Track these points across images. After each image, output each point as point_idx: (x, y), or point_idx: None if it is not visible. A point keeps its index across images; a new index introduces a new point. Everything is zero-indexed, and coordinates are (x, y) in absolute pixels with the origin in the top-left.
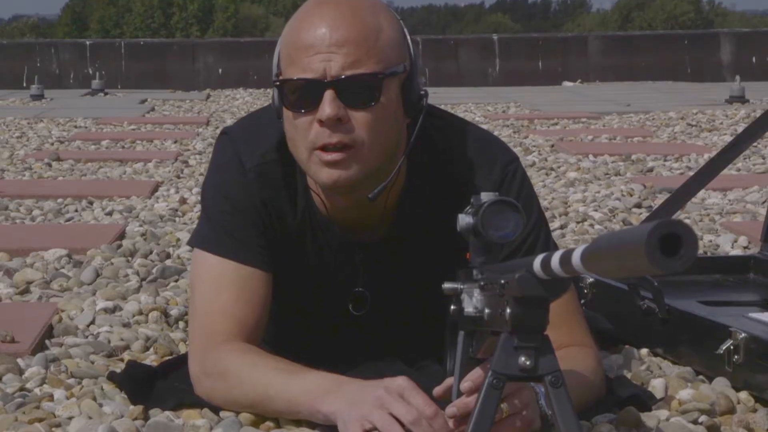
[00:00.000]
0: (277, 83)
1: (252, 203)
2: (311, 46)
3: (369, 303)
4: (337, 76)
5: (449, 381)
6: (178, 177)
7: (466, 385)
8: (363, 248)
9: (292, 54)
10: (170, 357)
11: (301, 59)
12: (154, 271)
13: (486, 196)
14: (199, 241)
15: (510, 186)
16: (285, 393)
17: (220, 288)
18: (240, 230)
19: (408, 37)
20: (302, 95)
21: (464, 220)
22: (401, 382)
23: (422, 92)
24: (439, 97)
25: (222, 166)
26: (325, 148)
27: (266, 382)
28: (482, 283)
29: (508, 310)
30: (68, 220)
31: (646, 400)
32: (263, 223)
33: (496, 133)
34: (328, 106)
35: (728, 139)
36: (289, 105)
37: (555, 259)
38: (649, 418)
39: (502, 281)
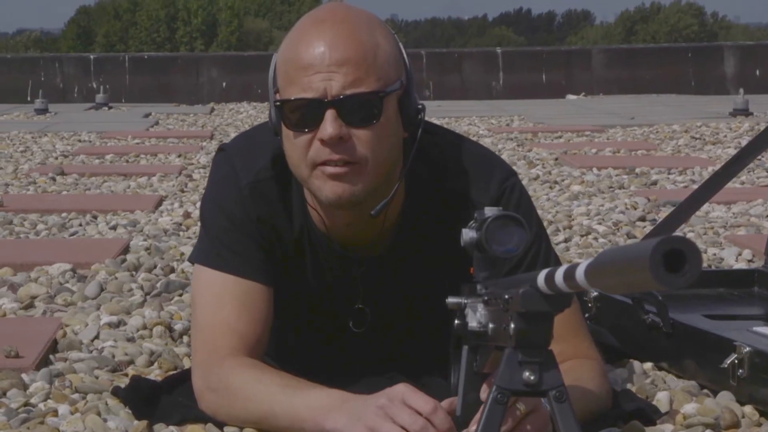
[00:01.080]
0: (278, 103)
1: (249, 218)
2: (311, 65)
3: (369, 319)
4: (338, 96)
5: (454, 399)
6: (182, 191)
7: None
8: (362, 264)
9: (291, 73)
10: (174, 372)
11: (300, 78)
12: (158, 285)
13: (489, 211)
14: (199, 256)
15: (509, 200)
16: (289, 409)
17: (222, 303)
18: (239, 244)
19: (403, 51)
20: (303, 115)
21: (468, 234)
22: (401, 388)
23: (419, 106)
24: (444, 110)
25: (219, 182)
26: (327, 163)
27: (271, 399)
28: (486, 298)
29: (512, 325)
30: (72, 234)
31: (650, 414)
32: (261, 238)
33: (500, 146)
34: (329, 125)
35: (732, 152)
36: (290, 124)
37: (559, 274)
38: None
39: (506, 296)
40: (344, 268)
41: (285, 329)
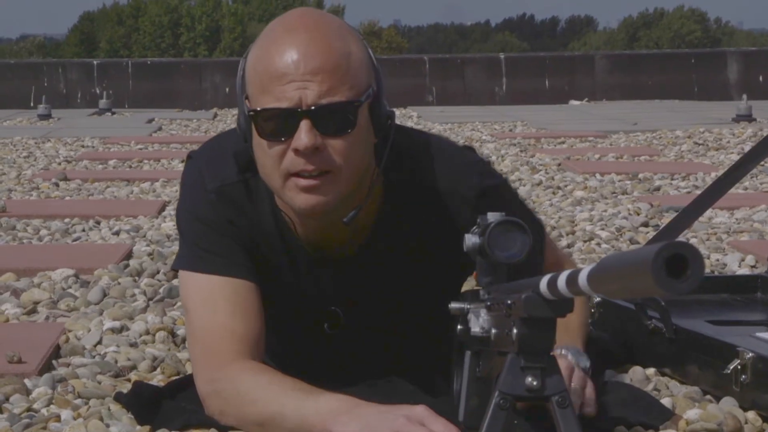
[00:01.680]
0: (251, 112)
1: (222, 220)
2: (285, 74)
3: (343, 321)
4: (312, 105)
5: None
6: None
7: None
8: (334, 266)
9: (265, 81)
10: (177, 377)
11: (274, 87)
12: (161, 290)
13: (492, 217)
14: (182, 263)
15: (493, 191)
16: (299, 412)
17: (214, 305)
18: (219, 245)
19: (373, 57)
20: (277, 124)
21: (471, 240)
22: (421, 411)
23: (389, 112)
24: (446, 115)
25: (189, 189)
26: (300, 174)
27: (281, 402)
28: (489, 304)
29: (515, 331)
30: (75, 240)
31: (652, 423)
32: (238, 238)
33: (503, 151)
34: (304, 135)
35: (735, 157)
36: (263, 134)
37: (562, 279)
38: None
39: (509, 301)
40: (316, 270)
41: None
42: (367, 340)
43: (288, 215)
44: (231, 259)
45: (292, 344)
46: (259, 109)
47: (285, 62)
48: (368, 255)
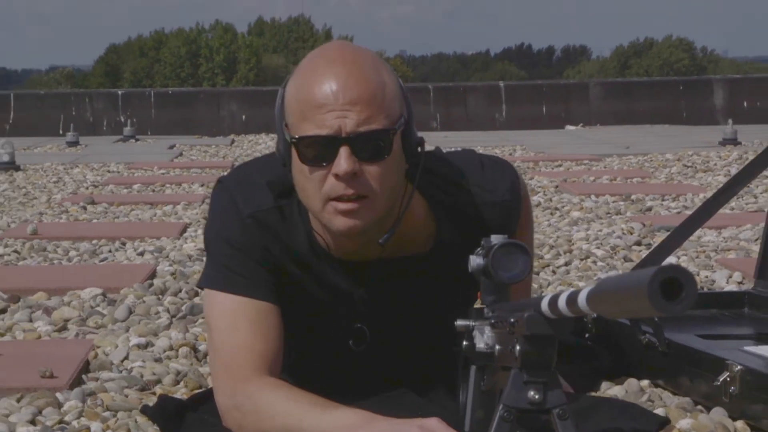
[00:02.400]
0: (293, 139)
1: (252, 243)
2: (325, 104)
3: (368, 338)
4: (351, 133)
5: None
6: (205, 218)
7: None
8: (367, 284)
9: (306, 110)
10: (200, 390)
11: (315, 116)
12: (183, 308)
13: (495, 239)
14: (208, 282)
15: (524, 188)
16: (317, 427)
17: (236, 324)
18: (245, 267)
19: (403, 87)
20: (318, 151)
21: (475, 261)
22: (435, 423)
23: (419, 138)
24: (450, 140)
25: (220, 213)
26: (339, 199)
27: (299, 417)
28: (493, 321)
29: (518, 347)
30: (102, 260)
31: (645, 428)
32: (265, 261)
33: None
34: (344, 161)
35: (722, 179)
36: (305, 160)
37: (562, 300)
38: None
39: (512, 320)
40: (349, 288)
41: (287, 349)
42: (389, 356)
43: (323, 237)
44: (255, 281)
45: (316, 361)
46: (301, 136)
47: (325, 93)
48: (407, 269)
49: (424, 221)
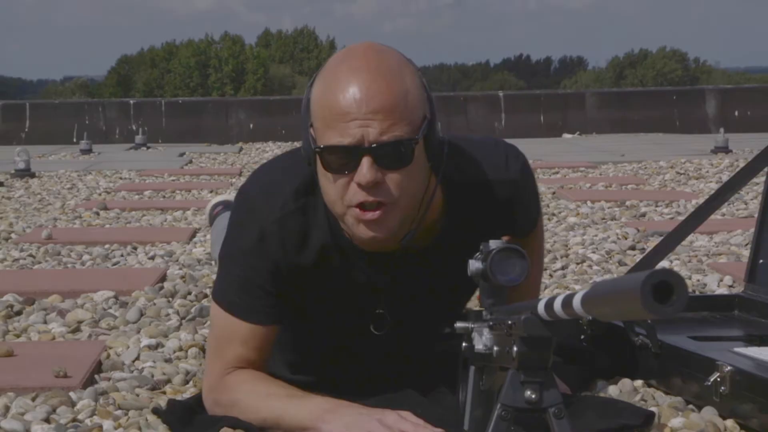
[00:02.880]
0: (318, 149)
1: (262, 262)
2: (348, 112)
3: (389, 322)
4: (374, 142)
5: None
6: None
7: None
8: (391, 270)
9: (328, 118)
10: None
11: (338, 124)
12: (192, 310)
13: (494, 244)
14: (217, 295)
15: (526, 179)
16: (296, 416)
17: (231, 338)
18: (250, 294)
19: (426, 86)
20: (341, 159)
21: (474, 265)
22: (394, 418)
23: (443, 139)
24: None
25: (239, 228)
26: (362, 206)
27: (281, 410)
28: (491, 324)
29: (515, 349)
30: (115, 264)
31: (635, 424)
32: (275, 279)
33: None
34: (366, 171)
35: (714, 186)
36: (329, 168)
37: (558, 303)
38: None
39: (510, 322)
40: (372, 275)
41: (306, 338)
42: (406, 339)
43: (346, 230)
44: (256, 308)
45: (336, 345)
46: (325, 145)
47: (349, 101)
48: (428, 256)
49: (441, 210)
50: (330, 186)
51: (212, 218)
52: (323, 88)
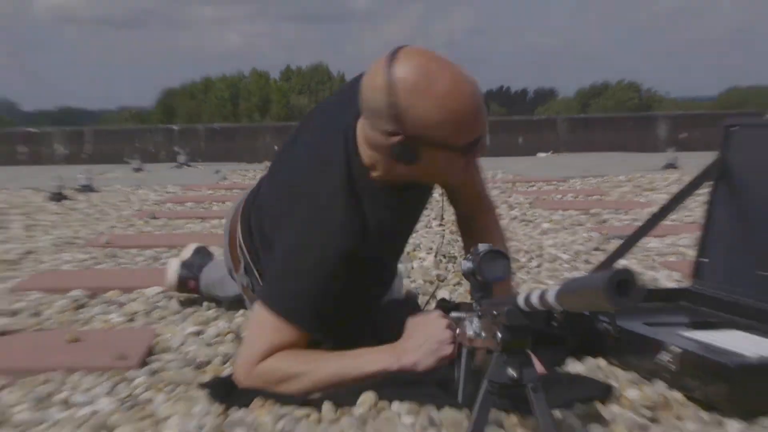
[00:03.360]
0: (458, 147)
1: (331, 264)
2: (475, 119)
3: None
4: (484, 134)
5: None
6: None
7: None
8: (399, 202)
9: (459, 121)
10: None
11: (469, 125)
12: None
13: (482, 247)
14: (270, 299)
15: None
16: (367, 365)
17: (273, 338)
18: (302, 299)
19: None
20: (474, 146)
21: (465, 265)
22: (439, 320)
23: None
24: None
25: (309, 247)
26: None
27: (348, 366)
28: (480, 314)
29: (499, 335)
30: (163, 264)
31: (597, 395)
32: (338, 274)
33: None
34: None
35: (665, 197)
36: (464, 154)
37: (535, 297)
38: (606, 412)
39: (495, 312)
40: (398, 210)
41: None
42: (390, 278)
43: (379, 184)
44: (306, 316)
45: (357, 303)
46: (472, 140)
47: (470, 109)
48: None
49: None
50: (441, 166)
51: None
52: (441, 101)
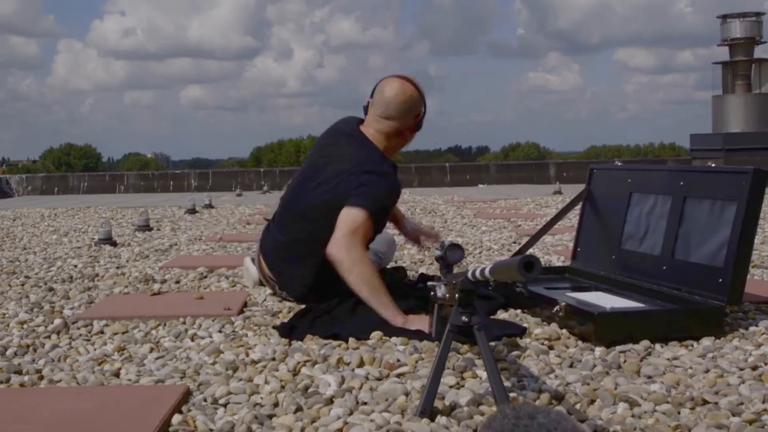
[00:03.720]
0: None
1: (396, 190)
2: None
3: None
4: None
5: None
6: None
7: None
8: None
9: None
10: (300, 309)
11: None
12: None
13: (447, 241)
14: (365, 205)
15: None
16: (386, 308)
17: (364, 224)
18: (383, 212)
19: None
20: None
21: (436, 253)
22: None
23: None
24: (422, 192)
25: (382, 182)
26: None
27: (381, 297)
28: (445, 282)
29: (457, 296)
30: (253, 252)
31: (516, 332)
32: (394, 200)
33: (449, 208)
34: None
35: (554, 211)
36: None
37: (477, 272)
38: (522, 343)
39: (454, 282)
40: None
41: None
42: None
43: (390, 153)
44: (380, 217)
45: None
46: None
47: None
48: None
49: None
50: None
51: None
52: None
